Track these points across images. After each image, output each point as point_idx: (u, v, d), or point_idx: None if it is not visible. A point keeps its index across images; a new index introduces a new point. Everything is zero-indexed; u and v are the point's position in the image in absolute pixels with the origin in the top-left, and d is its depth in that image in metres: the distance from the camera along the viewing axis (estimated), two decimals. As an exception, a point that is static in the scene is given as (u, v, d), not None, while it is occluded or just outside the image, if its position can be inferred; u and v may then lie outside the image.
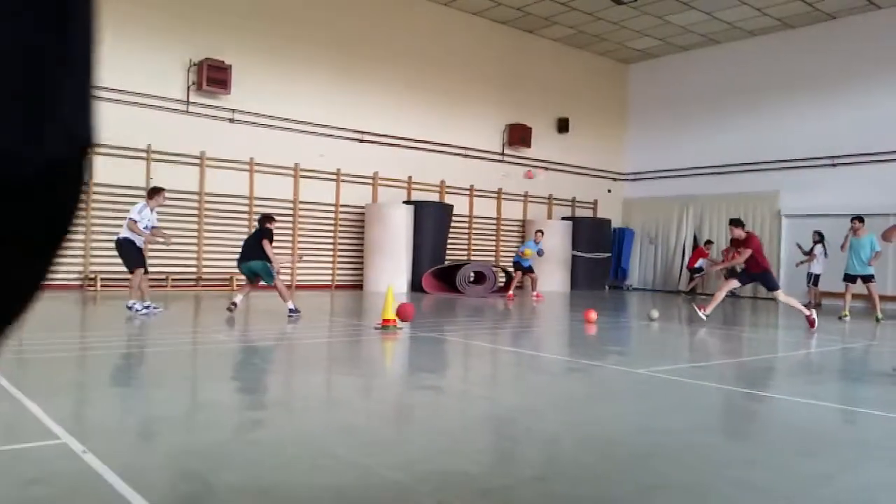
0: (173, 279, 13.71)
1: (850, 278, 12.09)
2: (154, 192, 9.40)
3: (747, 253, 9.66)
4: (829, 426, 4.35)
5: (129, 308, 8.80)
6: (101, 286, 12.91)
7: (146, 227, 9.05)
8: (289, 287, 15.35)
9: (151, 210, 9.17)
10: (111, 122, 13.08)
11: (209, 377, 5.35)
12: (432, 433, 3.79)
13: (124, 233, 9.01)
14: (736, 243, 10.10)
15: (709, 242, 18.75)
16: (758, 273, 9.95)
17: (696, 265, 18.20)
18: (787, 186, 18.26)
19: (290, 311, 9.25)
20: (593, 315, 9.68)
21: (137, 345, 6.92)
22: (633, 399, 4.98)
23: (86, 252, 12.88)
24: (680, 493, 2.91)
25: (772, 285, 10.09)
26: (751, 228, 18.42)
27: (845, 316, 11.86)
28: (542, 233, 15.60)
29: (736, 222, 10.04)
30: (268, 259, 9.32)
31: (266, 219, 9.74)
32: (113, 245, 9.39)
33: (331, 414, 4.22)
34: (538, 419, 4.18)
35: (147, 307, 8.86)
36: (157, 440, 3.53)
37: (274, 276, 9.41)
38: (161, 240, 9.61)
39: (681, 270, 20.22)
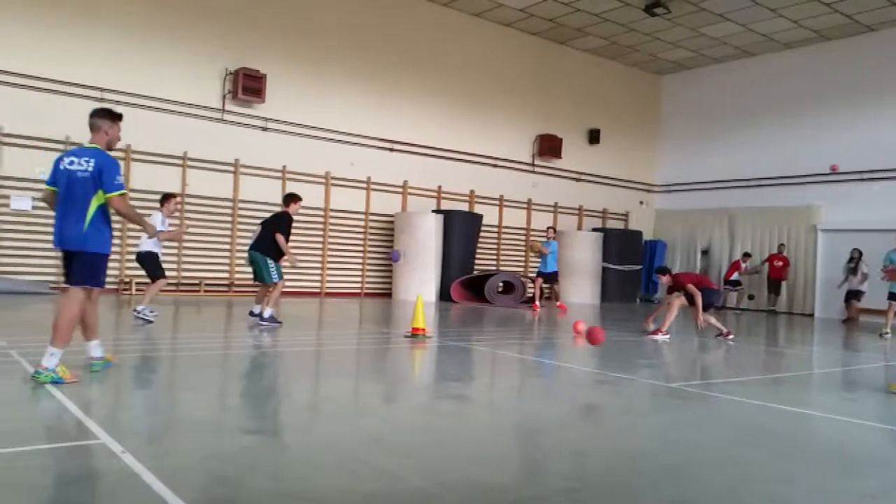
0: (206, 284, 13.93)
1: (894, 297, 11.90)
2: (166, 199, 9.00)
3: (696, 292, 9.65)
4: (871, 445, 4.26)
5: (138, 312, 8.36)
6: (137, 290, 13.17)
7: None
8: (317, 294, 15.53)
9: (164, 219, 8.82)
10: (149, 130, 13.40)
11: (240, 382, 5.43)
12: (461, 442, 3.80)
13: (145, 245, 8.69)
14: (672, 289, 10.03)
15: (746, 255, 18.44)
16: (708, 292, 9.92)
17: (732, 278, 17.95)
18: (823, 200, 17.94)
19: (269, 318, 8.46)
20: (581, 326, 9.68)
21: (170, 349, 7.05)
22: (664, 412, 4.93)
23: (122, 257, 13.16)
24: (711, 509, 2.88)
25: (707, 301, 9.90)
26: (785, 242, 18.24)
27: (886, 333, 11.62)
28: (554, 230, 15.46)
29: (660, 271, 10.34)
30: (272, 255, 8.45)
31: (289, 198, 8.89)
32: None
33: (360, 421, 4.26)
34: (567, 430, 4.16)
35: (151, 312, 8.45)
36: (190, 443, 3.60)
37: (273, 277, 8.54)
38: (175, 241, 9.19)
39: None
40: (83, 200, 4.72)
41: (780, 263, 17.87)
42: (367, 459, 3.31)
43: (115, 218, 5.06)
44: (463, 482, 3.02)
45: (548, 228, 15.53)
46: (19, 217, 12.34)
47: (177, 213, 9.47)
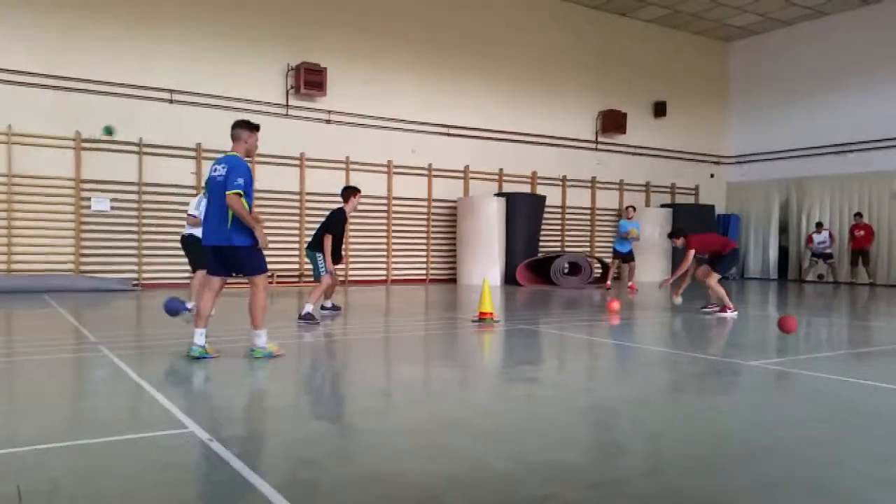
0: (277, 275, 14.30)
1: None
2: None
3: (689, 257, 9.20)
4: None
5: (189, 310, 8.17)
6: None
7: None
8: (383, 282, 15.72)
9: (200, 200, 8.51)
10: (218, 127, 13.79)
11: (315, 370, 5.55)
12: (538, 425, 3.78)
13: (189, 229, 8.53)
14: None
15: (819, 225, 17.72)
16: (720, 256, 9.32)
17: (826, 250, 17.34)
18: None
19: (307, 315, 8.04)
20: (616, 305, 9.43)
21: (246, 339, 7.27)
22: (746, 392, 4.78)
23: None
24: (805, 489, 2.77)
25: (719, 268, 9.27)
26: (865, 210, 17.36)
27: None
28: (634, 208, 15.05)
29: (674, 233, 9.65)
30: (321, 247, 8.39)
31: (348, 192, 8.76)
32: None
33: (436, 405, 4.29)
34: (644, 412, 4.09)
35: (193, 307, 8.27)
36: (274, 429, 3.71)
37: (322, 269, 8.42)
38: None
39: (780, 256, 19.22)
40: (222, 202, 5.31)
41: (862, 233, 17.04)
42: (447, 442, 3.34)
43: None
44: (543, 464, 3.00)
45: (627, 208, 15.14)
46: (100, 218, 12.94)
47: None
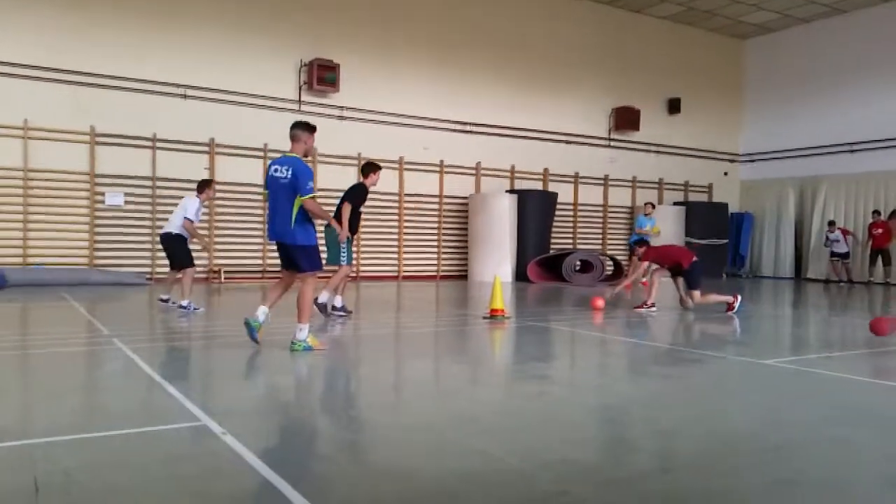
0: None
1: None
2: (205, 185, 8.71)
3: (642, 267, 9.78)
4: None
5: (185, 308, 8.26)
6: (225, 278, 13.72)
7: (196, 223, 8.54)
8: (394, 278, 15.73)
9: (199, 207, 8.59)
10: (231, 124, 13.86)
11: (328, 366, 5.56)
12: (549, 422, 3.77)
13: (177, 228, 8.43)
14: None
15: (832, 223, 17.58)
16: (685, 272, 9.32)
17: (838, 250, 17.22)
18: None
19: (334, 308, 7.88)
20: (600, 303, 9.39)
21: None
22: (759, 391, 4.74)
23: (210, 246, 13.71)
24: (817, 489, 2.75)
25: (694, 283, 9.20)
26: (882, 208, 17.18)
27: None
28: (653, 205, 14.91)
29: (637, 243, 10.14)
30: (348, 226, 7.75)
31: (368, 168, 8.23)
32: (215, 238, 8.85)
33: (448, 402, 4.29)
34: (656, 410, 4.06)
35: (187, 306, 8.32)
36: (288, 423, 3.72)
37: (342, 259, 7.90)
38: (199, 245, 8.83)
39: (795, 255, 19.07)
40: (287, 202, 5.57)
41: (881, 231, 16.88)
42: (458, 439, 3.33)
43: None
44: (555, 461, 2.99)
45: (646, 204, 15.07)
46: (114, 212, 13.03)
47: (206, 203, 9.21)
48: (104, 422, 3.57)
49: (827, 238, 17.58)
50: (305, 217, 5.61)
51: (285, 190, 5.56)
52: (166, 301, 8.61)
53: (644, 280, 10.30)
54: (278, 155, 14.21)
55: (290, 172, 5.54)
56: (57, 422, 3.49)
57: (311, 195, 5.55)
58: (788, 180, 19.60)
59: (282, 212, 5.60)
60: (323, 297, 7.86)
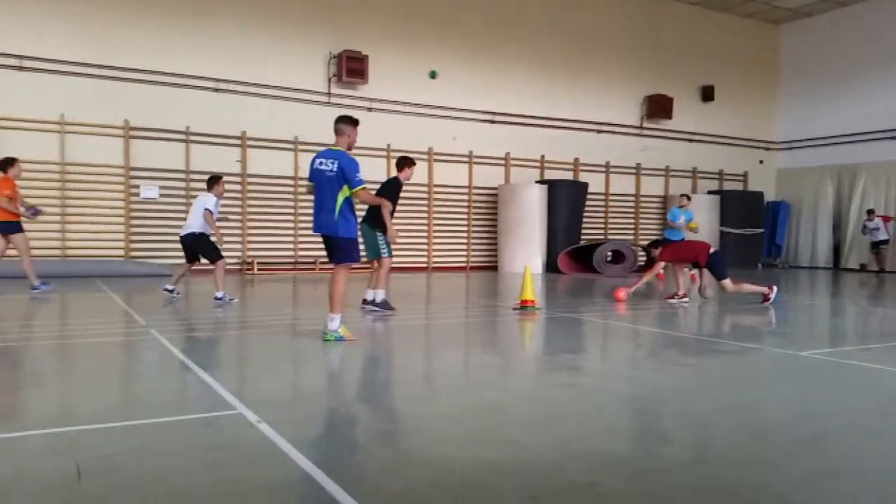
0: (321, 262, 14.48)
1: None
2: (215, 182, 8.80)
3: (658, 268, 9.46)
4: None
5: (220, 299, 8.39)
6: (258, 270, 13.90)
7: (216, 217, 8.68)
8: (424, 269, 15.77)
9: (217, 201, 8.69)
10: (262, 117, 14.01)
11: (358, 356, 5.61)
12: (581, 413, 3.76)
13: (199, 227, 8.58)
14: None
15: (871, 212, 17.16)
16: (708, 265, 9.09)
17: (877, 238, 16.84)
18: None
19: (382, 303, 7.74)
20: (622, 294, 9.26)
21: (289, 324, 7.39)
22: (795, 382, 4.67)
23: (243, 238, 13.90)
24: (854, 480, 2.70)
25: (720, 273, 8.97)
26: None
27: None
28: (689, 197, 14.04)
29: (653, 244, 9.79)
30: (381, 228, 7.57)
31: (402, 162, 8.23)
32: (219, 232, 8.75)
33: (480, 392, 4.30)
34: (690, 402, 4.03)
35: (222, 297, 8.45)
36: (320, 413, 3.76)
37: (383, 250, 7.75)
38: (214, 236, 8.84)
39: (833, 245, 18.65)
40: (331, 195, 5.67)
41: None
42: (490, 429, 3.35)
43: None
44: (587, 452, 2.99)
45: (681, 195, 14.41)
46: (149, 205, 13.27)
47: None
48: (143, 410, 3.66)
49: (865, 226, 17.19)
50: (349, 209, 5.72)
51: (330, 182, 5.67)
52: (171, 291, 8.92)
53: (660, 273, 10.07)
54: (308, 146, 14.46)
55: (335, 165, 5.66)
56: (98, 409, 3.59)
57: (361, 186, 5.67)
58: (826, 168, 19.18)
59: (327, 204, 5.70)
60: (379, 295, 7.72)
